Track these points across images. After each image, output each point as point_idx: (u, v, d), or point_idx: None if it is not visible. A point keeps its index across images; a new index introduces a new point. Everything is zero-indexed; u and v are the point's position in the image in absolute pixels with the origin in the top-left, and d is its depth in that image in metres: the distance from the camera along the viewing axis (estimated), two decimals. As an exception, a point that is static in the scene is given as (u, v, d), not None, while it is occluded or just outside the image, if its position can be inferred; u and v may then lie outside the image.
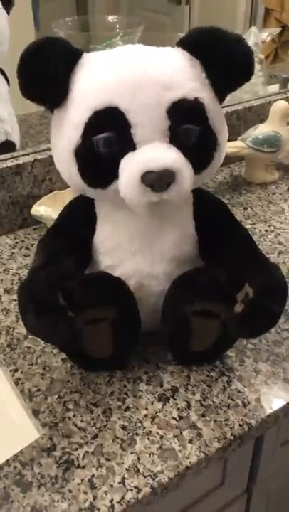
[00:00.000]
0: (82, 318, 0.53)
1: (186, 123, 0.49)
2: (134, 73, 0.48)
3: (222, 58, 0.50)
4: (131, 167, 0.48)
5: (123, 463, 0.50)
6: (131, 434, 0.53)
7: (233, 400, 0.57)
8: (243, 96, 1.11)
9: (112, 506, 0.47)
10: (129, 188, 0.48)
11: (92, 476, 0.49)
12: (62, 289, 0.52)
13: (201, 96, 0.50)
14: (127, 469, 0.50)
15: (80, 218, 0.58)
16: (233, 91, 0.53)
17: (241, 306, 0.53)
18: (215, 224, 0.59)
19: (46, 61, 0.48)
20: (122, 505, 0.47)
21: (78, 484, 0.49)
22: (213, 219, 0.59)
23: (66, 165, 0.52)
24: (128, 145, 0.48)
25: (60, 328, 0.50)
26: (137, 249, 0.56)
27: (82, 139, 0.49)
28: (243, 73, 0.51)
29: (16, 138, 0.91)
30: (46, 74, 0.49)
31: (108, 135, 0.48)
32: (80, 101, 0.49)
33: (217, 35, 0.50)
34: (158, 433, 0.53)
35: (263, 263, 0.56)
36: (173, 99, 0.48)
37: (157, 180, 0.47)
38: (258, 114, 1.10)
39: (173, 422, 0.54)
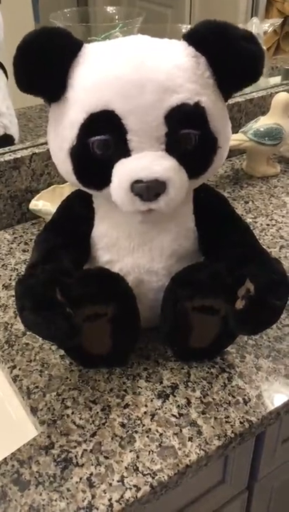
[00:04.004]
0: (81, 314, 0.52)
1: (185, 128, 0.47)
2: (132, 74, 0.46)
3: (230, 57, 0.47)
4: (121, 174, 0.47)
5: (122, 461, 0.50)
6: (130, 432, 0.52)
7: (233, 396, 0.56)
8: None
9: (111, 505, 0.46)
10: (119, 196, 0.48)
11: (91, 474, 0.49)
12: (60, 284, 0.51)
13: (201, 99, 0.47)
14: (126, 467, 0.49)
15: (78, 213, 0.57)
16: (240, 90, 0.51)
17: (242, 303, 0.52)
18: (215, 218, 0.58)
19: (43, 53, 0.47)
20: (120, 504, 0.47)
21: (77, 483, 0.48)
22: (213, 213, 0.58)
23: (62, 162, 0.51)
24: (122, 150, 0.47)
25: (58, 325, 0.49)
26: (136, 245, 0.55)
27: (76, 140, 0.48)
28: (251, 74, 0.49)
29: (14, 132, 0.91)
30: (43, 66, 0.47)
31: (104, 137, 0.47)
32: (76, 100, 0.48)
33: (226, 31, 0.47)
34: (157, 430, 0.52)
35: (264, 258, 0.55)
36: (171, 105, 0.46)
37: (145, 190, 0.46)
38: (260, 106, 1.09)
39: (173, 419, 0.54)
